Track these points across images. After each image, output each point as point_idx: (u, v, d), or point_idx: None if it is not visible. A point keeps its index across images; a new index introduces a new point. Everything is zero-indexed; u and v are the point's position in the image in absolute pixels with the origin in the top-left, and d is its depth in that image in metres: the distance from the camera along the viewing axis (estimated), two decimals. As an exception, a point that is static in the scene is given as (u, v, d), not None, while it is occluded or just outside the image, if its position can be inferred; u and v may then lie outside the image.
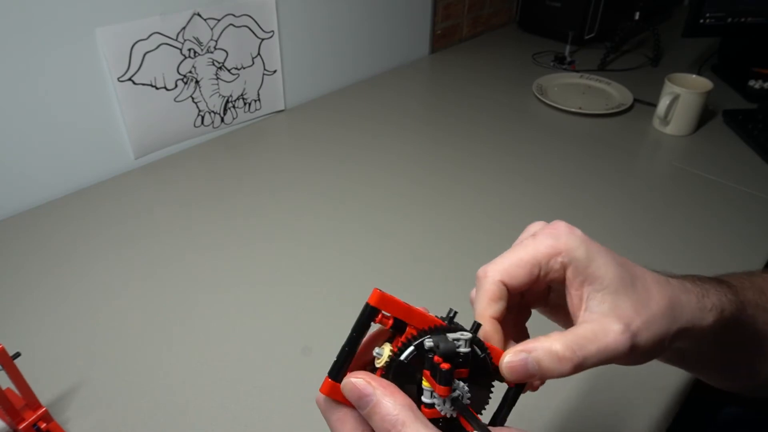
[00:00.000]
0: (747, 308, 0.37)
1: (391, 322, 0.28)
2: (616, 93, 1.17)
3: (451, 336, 0.28)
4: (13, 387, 0.46)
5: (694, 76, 1.04)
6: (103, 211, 0.81)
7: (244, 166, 0.92)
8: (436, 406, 0.27)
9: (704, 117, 1.03)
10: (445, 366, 0.26)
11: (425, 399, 0.27)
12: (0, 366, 0.44)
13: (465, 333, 0.28)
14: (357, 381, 0.27)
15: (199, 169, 0.92)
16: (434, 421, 0.26)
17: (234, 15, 0.93)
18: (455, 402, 0.27)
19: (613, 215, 0.81)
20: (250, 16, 0.95)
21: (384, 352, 0.28)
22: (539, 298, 0.35)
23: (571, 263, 0.31)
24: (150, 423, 0.53)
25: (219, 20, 0.91)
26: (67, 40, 0.77)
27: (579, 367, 0.28)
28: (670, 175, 0.92)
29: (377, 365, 0.28)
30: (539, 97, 1.13)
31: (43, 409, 0.49)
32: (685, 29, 1.13)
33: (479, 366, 0.29)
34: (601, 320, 0.29)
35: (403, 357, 0.27)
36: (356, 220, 0.79)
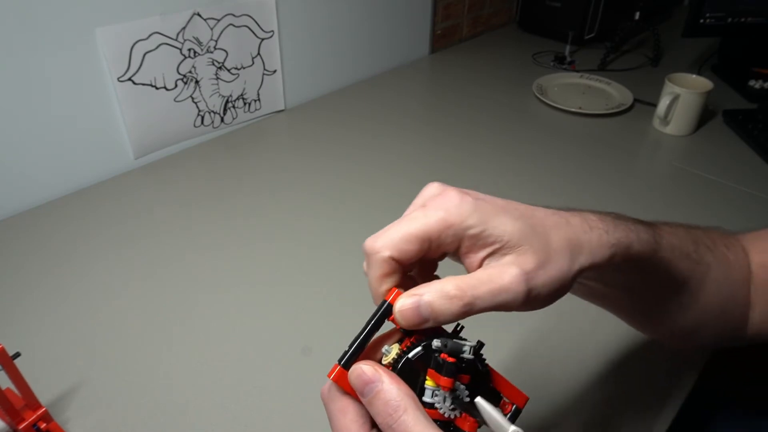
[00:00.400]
0: (662, 251, 0.37)
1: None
2: (616, 93, 1.17)
3: (457, 341, 0.29)
4: (13, 387, 0.46)
5: (694, 76, 1.04)
6: (103, 211, 0.81)
7: (244, 166, 0.92)
8: (436, 405, 0.27)
9: (704, 117, 1.03)
10: (450, 359, 0.27)
11: (426, 398, 0.28)
12: (0, 366, 0.44)
13: (469, 342, 0.29)
14: (365, 367, 0.27)
15: (199, 169, 0.92)
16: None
17: (234, 15, 0.93)
18: (455, 400, 0.28)
19: (613, 215, 0.81)
20: (250, 16, 0.95)
21: (392, 351, 0.29)
22: (440, 257, 0.34)
23: (465, 234, 0.30)
24: (150, 423, 0.53)
25: (219, 20, 0.91)
26: (67, 40, 0.77)
27: (469, 306, 0.28)
28: (670, 175, 0.92)
29: (384, 362, 0.29)
30: (539, 97, 1.13)
31: (43, 409, 0.49)
32: (685, 29, 1.13)
33: (479, 379, 0.29)
34: (499, 266, 0.29)
35: (411, 354, 0.28)
36: (356, 220, 0.79)
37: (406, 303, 0.28)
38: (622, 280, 0.38)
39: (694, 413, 0.57)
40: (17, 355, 0.46)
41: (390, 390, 0.27)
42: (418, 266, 0.34)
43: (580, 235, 0.32)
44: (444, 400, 0.28)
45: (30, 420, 0.48)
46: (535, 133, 1.04)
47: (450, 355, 0.28)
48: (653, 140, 1.03)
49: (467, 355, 0.28)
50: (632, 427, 0.53)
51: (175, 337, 0.62)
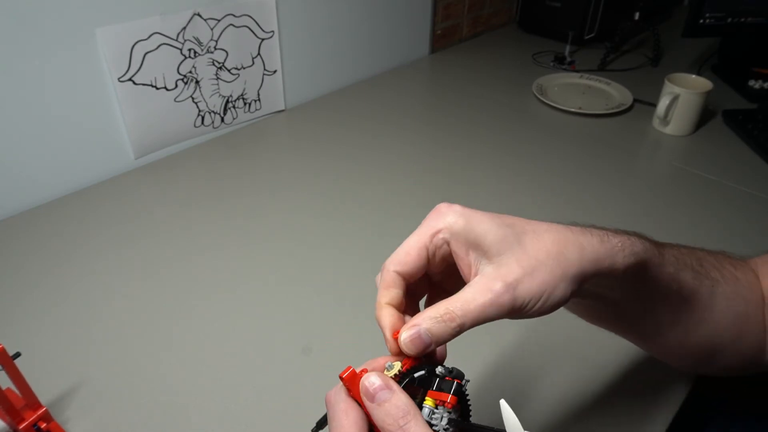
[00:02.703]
0: (666, 263, 0.38)
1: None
2: (616, 93, 1.17)
3: (455, 367, 0.33)
4: (13, 387, 0.46)
5: (694, 76, 1.04)
6: (103, 211, 0.81)
7: (244, 166, 0.92)
8: (432, 422, 0.30)
9: (704, 117, 1.03)
10: (459, 381, 0.31)
11: (423, 416, 0.30)
12: (0, 366, 0.44)
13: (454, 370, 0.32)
14: (378, 375, 0.30)
15: (199, 169, 0.92)
16: None
17: (234, 15, 0.93)
18: (451, 421, 0.30)
19: (613, 215, 0.81)
20: (250, 16, 0.95)
21: (395, 367, 0.32)
22: (443, 267, 0.37)
23: (452, 236, 0.33)
24: (150, 423, 0.53)
25: (219, 20, 0.91)
26: (67, 40, 0.77)
27: (461, 326, 0.31)
28: (670, 175, 0.92)
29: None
30: (539, 97, 1.13)
31: (43, 409, 0.49)
32: (685, 29, 1.13)
33: (466, 412, 0.32)
34: (483, 281, 0.32)
35: (417, 374, 0.32)
36: (356, 220, 0.79)
37: (408, 334, 0.31)
38: (630, 288, 0.38)
39: (689, 419, 0.57)
40: (17, 355, 0.46)
41: (402, 398, 0.29)
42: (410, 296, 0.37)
43: (579, 237, 0.33)
44: (441, 419, 0.30)
45: (30, 420, 0.48)
46: (535, 133, 1.04)
47: (455, 378, 0.31)
48: (653, 140, 1.03)
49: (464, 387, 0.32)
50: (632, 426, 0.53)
51: (175, 337, 0.62)
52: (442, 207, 0.35)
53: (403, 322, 0.34)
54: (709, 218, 0.81)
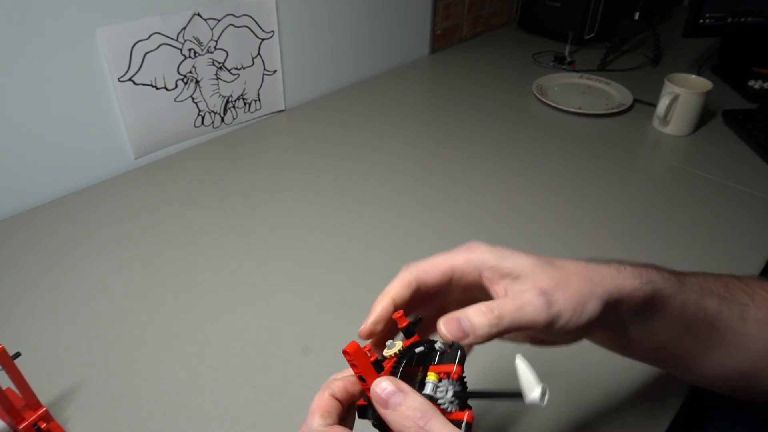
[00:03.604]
0: (689, 293, 0.39)
1: (406, 323, 0.34)
2: (616, 93, 1.17)
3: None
4: (13, 387, 0.46)
5: (693, 76, 1.04)
6: (103, 211, 0.81)
7: (244, 166, 0.92)
8: (437, 395, 0.30)
9: (704, 117, 1.03)
10: (462, 351, 0.31)
11: (427, 392, 0.30)
12: (0, 366, 0.44)
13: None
14: (392, 380, 0.30)
15: (199, 169, 0.92)
16: None
17: (234, 15, 0.93)
18: (456, 393, 0.30)
19: (613, 215, 0.81)
20: (250, 16, 0.95)
21: (396, 345, 0.33)
22: (464, 291, 0.38)
23: (484, 265, 0.36)
24: (150, 423, 0.53)
25: (219, 20, 0.91)
26: (68, 40, 0.77)
27: (498, 319, 0.32)
28: (670, 175, 0.92)
29: (386, 354, 0.33)
30: (539, 97, 1.13)
31: (44, 408, 0.49)
32: (685, 29, 1.13)
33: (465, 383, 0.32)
34: (518, 289, 0.34)
35: (418, 350, 0.33)
36: (356, 220, 0.79)
37: (449, 317, 0.32)
38: (654, 321, 0.39)
39: (687, 423, 0.56)
40: (17, 355, 0.46)
41: (416, 398, 0.29)
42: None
43: (598, 266, 0.36)
44: (447, 392, 0.30)
45: (30, 420, 0.48)
46: (535, 133, 1.04)
47: (457, 349, 0.32)
48: (653, 140, 1.03)
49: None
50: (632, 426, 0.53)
51: (175, 336, 0.62)
52: (474, 243, 0.37)
53: (390, 320, 0.35)
54: (709, 218, 0.81)
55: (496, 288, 0.35)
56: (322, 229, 0.78)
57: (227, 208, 0.82)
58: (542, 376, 0.54)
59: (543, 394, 0.30)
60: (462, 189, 0.86)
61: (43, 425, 0.49)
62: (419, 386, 0.31)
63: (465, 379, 0.31)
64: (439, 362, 0.31)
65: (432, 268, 0.36)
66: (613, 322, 0.37)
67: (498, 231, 0.77)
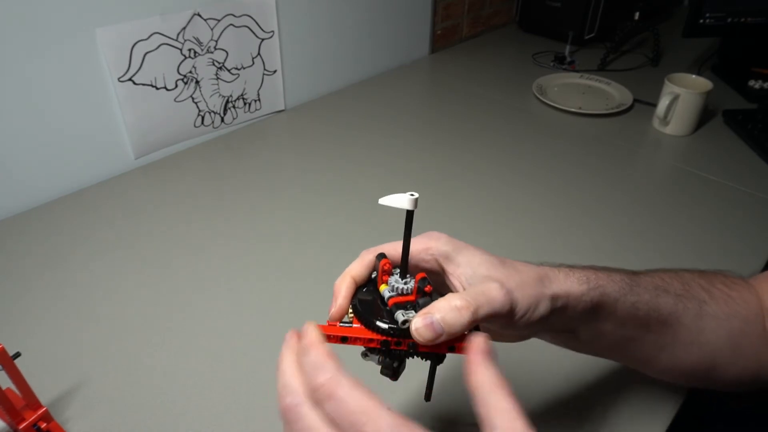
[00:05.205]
0: (642, 293, 0.40)
1: (388, 266, 0.37)
2: (616, 93, 1.17)
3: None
4: (13, 387, 0.46)
5: (694, 76, 1.04)
6: (103, 211, 0.81)
7: (244, 166, 0.92)
8: (396, 286, 0.35)
9: (704, 117, 1.03)
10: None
11: (389, 293, 0.35)
12: (0, 366, 0.44)
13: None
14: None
15: (199, 169, 0.92)
16: (401, 332, 0.33)
17: (234, 15, 0.93)
18: (403, 281, 0.35)
19: (612, 215, 0.81)
20: (250, 16, 0.95)
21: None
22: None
23: (441, 254, 0.37)
24: (150, 423, 0.53)
25: (219, 20, 0.91)
26: (68, 40, 0.77)
27: (475, 314, 0.32)
28: (670, 175, 0.92)
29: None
30: (539, 97, 1.13)
31: (44, 408, 0.49)
32: (685, 29, 1.13)
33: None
34: (481, 281, 0.35)
35: (360, 295, 0.38)
36: (356, 220, 0.79)
37: (420, 322, 0.32)
38: (606, 322, 0.40)
39: (686, 423, 0.57)
40: (17, 355, 0.46)
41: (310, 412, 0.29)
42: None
43: (548, 272, 0.37)
44: (406, 282, 0.35)
45: (30, 420, 0.48)
46: (535, 133, 1.04)
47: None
48: (653, 140, 1.03)
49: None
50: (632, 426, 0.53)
51: (175, 336, 0.62)
52: (433, 233, 0.38)
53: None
54: (709, 218, 0.81)
55: (452, 278, 0.36)
56: (322, 229, 0.78)
57: (227, 208, 0.82)
58: (542, 375, 0.54)
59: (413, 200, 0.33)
60: (462, 189, 0.86)
61: (43, 425, 0.49)
62: (381, 299, 0.35)
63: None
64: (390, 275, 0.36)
65: (393, 251, 0.37)
66: (560, 325, 0.38)
67: (498, 231, 0.77)
